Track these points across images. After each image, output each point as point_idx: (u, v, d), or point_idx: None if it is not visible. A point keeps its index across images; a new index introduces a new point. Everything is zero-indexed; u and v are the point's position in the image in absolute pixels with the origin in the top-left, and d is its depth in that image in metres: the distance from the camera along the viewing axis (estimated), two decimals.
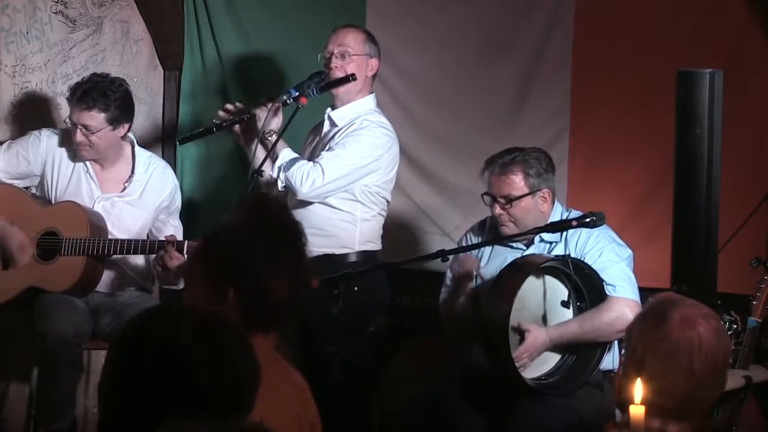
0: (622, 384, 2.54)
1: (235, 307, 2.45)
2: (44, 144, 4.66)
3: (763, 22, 4.88)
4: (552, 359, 4.04)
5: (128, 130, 4.62)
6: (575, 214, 4.05)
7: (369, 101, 4.58)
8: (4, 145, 4.73)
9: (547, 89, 5.28)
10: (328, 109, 4.59)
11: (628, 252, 4.09)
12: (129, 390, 1.88)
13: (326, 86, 4.48)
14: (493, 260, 4.21)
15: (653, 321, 2.57)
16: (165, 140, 5.58)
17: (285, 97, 4.43)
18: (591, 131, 5.23)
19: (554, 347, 4.02)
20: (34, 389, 4.51)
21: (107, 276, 4.61)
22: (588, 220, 3.91)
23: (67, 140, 4.64)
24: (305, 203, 4.46)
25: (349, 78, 4.46)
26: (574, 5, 5.21)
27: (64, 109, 5.16)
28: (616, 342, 4.01)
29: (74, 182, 4.62)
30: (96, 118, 4.49)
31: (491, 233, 4.25)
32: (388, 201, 4.60)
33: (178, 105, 5.60)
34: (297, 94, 4.41)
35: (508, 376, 3.88)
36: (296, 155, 4.50)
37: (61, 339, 4.34)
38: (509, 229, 4.11)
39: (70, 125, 4.54)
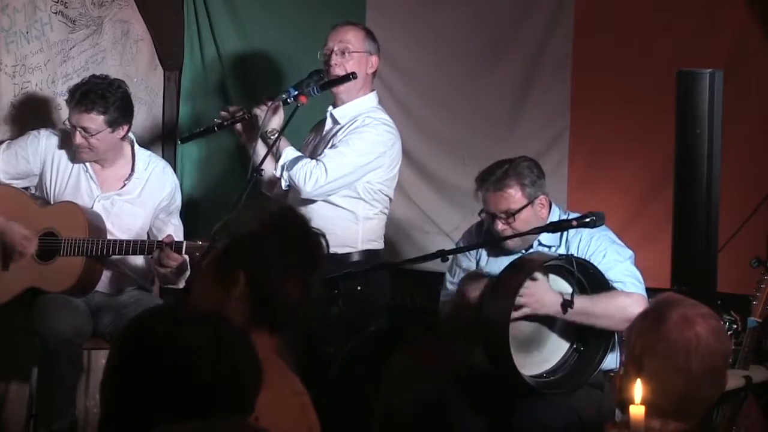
0: (623, 384, 2.54)
1: (244, 298, 2.45)
2: (43, 144, 4.66)
3: (763, 22, 4.88)
4: (554, 357, 4.03)
5: (127, 132, 4.61)
6: (574, 216, 4.04)
7: (371, 99, 4.58)
8: (4, 145, 4.73)
9: (547, 89, 5.29)
10: (330, 107, 4.59)
11: (630, 252, 4.08)
12: (130, 389, 1.88)
13: (327, 85, 4.48)
14: (491, 265, 4.20)
15: (652, 320, 2.58)
16: (165, 140, 5.58)
17: (284, 96, 4.43)
18: (591, 131, 5.24)
19: (560, 336, 4.00)
20: (34, 389, 4.51)
21: (107, 276, 4.61)
22: (588, 220, 3.90)
23: (66, 140, 4.64)
24: (308, 202, 4.46)
25: (349, 76, 4.46)
26: (574, 5, 5.21)
27: (64, 110, 5.16)
28: (618, 341, 4.00)
29: (73, 182, 4.62)
30: (95, 120, 4.49)
31: (489, 234, 4.24)
32: (390, 199, 4.60)
33: (178, 105, 5.60)
34: (296, 92, 4.41)
35: (508, 375, 3.87)
36: (299, 153, 4.50)
37: (61, 339, 4.34)
38: (514, 243, 4.10)
39: (69, 127, 4.54)
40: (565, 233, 4.05)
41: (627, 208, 5.06)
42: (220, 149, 5.55)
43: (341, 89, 4.52)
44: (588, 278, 3.94)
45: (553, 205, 4.18)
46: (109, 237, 4.52)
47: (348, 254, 4.47)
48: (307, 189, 4.39)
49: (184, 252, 4.31)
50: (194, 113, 5.56)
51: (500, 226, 4.09)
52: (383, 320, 4.65)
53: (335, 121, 4.56)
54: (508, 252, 4.14)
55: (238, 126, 4.54)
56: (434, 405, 4.08)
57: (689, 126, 4.05)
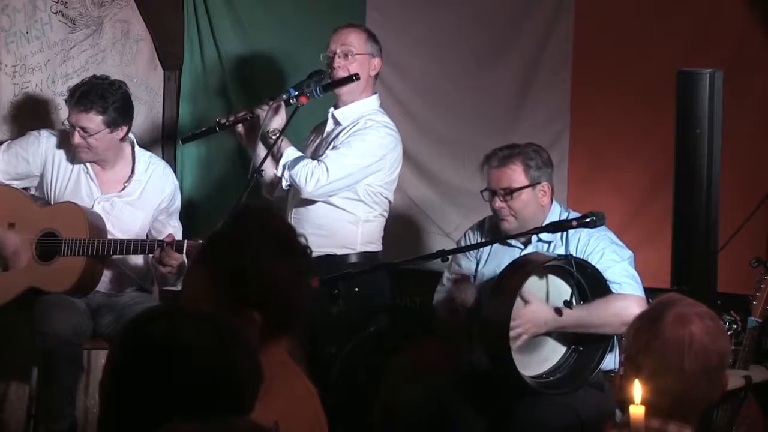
0: (622, 384, 2.54)
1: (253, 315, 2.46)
2: (43, 144, 4.66)
3: (763, 22, 4.88)
4: (554, 357, 4.04)
5: (127, 133, 4.61)
6: (574, 215, 4.04)
7: (373, 101, 4.58)
8: (3, 146, 4.72)
9: (547, 89, 5.29)
10: (332, 108, 4.59)
11: (629, 253, 4.08)
12: (129, 389, 1.88)
13: (329, 86, 4.48)
14: (491, 260, 4.21)
15: (649, 319, 2.58)
16: (165, 140, 5.58)
17: (285, 97, 4.43)
18: (591, 131, 5.24)
19: (559, 337, 4.00)
20: (34, 389, 4.51)
21: (107, 276, 4.61)
22: (588, 220, 3.90)
23: (66, 141, 4.63)
24: (308, 203, 4.46)
25: (352, 78, 4.46)
26: (574, 5, 5.22)
27: (64, 110, 5.15)
28: (617, 342, 4.00)
29: (73, 182, 4.61)
30: (93, 120, 4.48)
31: (491, 233, 4.24)
32: (390, 201, 4.60)
33: (178, 105, 5.60)
34: (297, 93, 4.41)
35: (508, 375, 3.87)
36: (300, 154, 4.50)
37: (61, 339, 4.34)
38: (509, 223, 4.10)
39: (68, 127, 4.54)
40: (565, 231, 4.05)
41: (627, 208, 5.07)
42: (220, 150, 5.55)
43: (343, 90, 4.52)
44: (587, 278, 3.94)
45: (555, 202, 4.18)
46: (108, 237, 4.52)
47: (346, 255, 4.47)
48: (308, 189, 4.39)
49: (184, 251, 4.31)
50: (194, 113, 5.56)
51: (498, 203, 4.09)
52: (383, 320, 4.65)
53: (337, 123, 4.56)
54: (507, 244, 4.15)
55: (239, 128, 4.54)
56: (434, 405, 4.08)
57: (689, 126, 4.06)
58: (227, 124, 4.51)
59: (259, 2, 5.57)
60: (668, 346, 2.50)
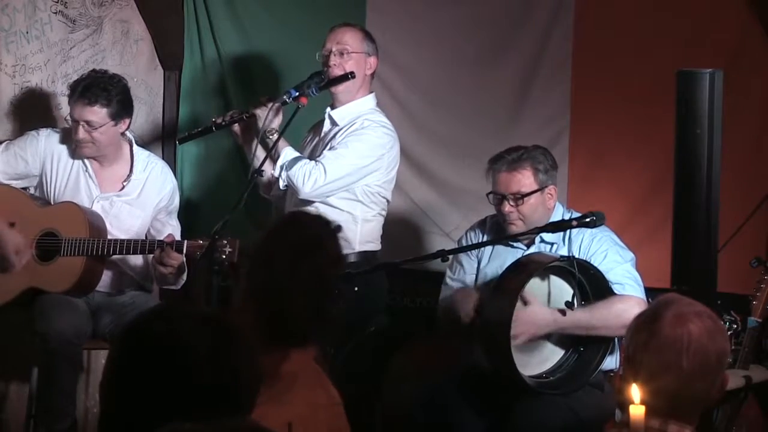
0: (621, 384, 2.54)
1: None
2: (42, 144, 4.65)
3: (763, 22, 4.88)
4: (554, 357, 4.04)
5: (128, 126, 4.61)
6: (576, 215, 4.04)
7: (369, 100, 4.58)
8: (2, 146, 4.72)
9: (547, 89, 5.29)
10: (328, 108, 4.59)
11: (631, 255, 4.08)
12: (129, 389, 1.88)
13: (325, 85, 4.48)
14: (493, 260, 4.21)
15: (647, 319, 2.58)
16: (165, 140, 5.58)
17: (285, 98, 4.43)
18: (591, 131, 5.24)
19: (559, 337, 4.00)
20: (34, 389, 4.51)
21: (107, 276, 4.61)
22: (588, 219, 3.90)
23: (65, 140, 4.63)
24: (306, 203, 4.46)
25: (348, 76, 4.46)
26: (574, 5, 5.22)
27: (64, 109, 5.16)
28: (617, 342, 4.00)
29: (73, 181, 4.61)
30: (98, 113, 4.49)
31: (492, 232, 4.24)
32: (388, 201, 4.60)
33: (178, 105, 5.60)
34: (297, 94, 4.41)
35: (508, 375, 3.87)
36: (298, 154, 4.50)
37: (61, 339, 4.34)
38: (517, 227, 4.09)
39: (71, 123, 4.54)
40: (567, 232, 4.05)
41: (627, 208, 5.07)
42: (219, 149, 5.55)
43: (340, 89, 4.51)
44: (588, 279, 3.94)
45: (557, 203, 4.19)
46: (108, 237, 4.52)
47: (345, 255, 4.46)
48: (306, 189, 4.39)
49: (184, 251, 4.31)
50: (194, 113, 5.56)
51: (507, 208, 4.08)
52: (383, 320, 4.66)
53: (333, 123, 4.56)
54: (510, 245, 4.15)
55: (236, 127, 4.54)
56: (434, 405, 4.08)
57: (689, 126, 4.05)
58: (223, 123, 4.52)
59: (259, 2, 5.57)
60: (666, 345, 2.50)
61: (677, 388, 2.50)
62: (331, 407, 2.53)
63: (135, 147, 4.70)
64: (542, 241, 4.13)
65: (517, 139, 4.83)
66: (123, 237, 4.52)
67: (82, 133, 4.50)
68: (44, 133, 4.70)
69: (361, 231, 4.49)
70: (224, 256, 4.13)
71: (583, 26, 5.22)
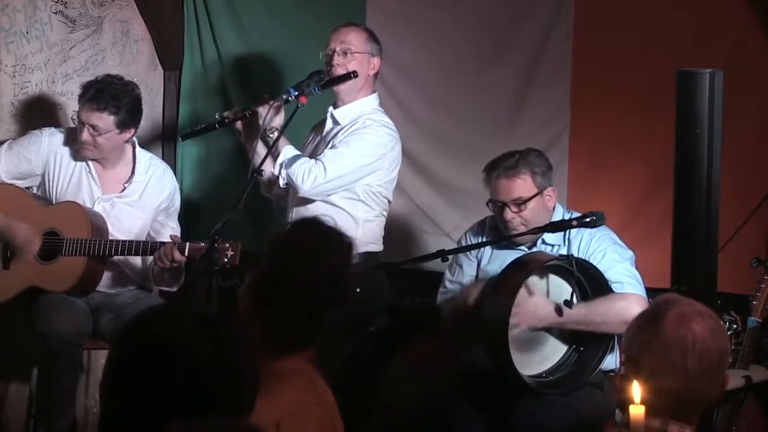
0: (622, 383, 2.54)
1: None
2: (45, 143, 4.66)
3: (763, 22, 4.88)
4: (554, 356, 4.04)
5: (133, 135, 4.62)
6: (576, 215, 4.04)
7: (372, 100, 4.58)
8: (5, 145, 4.73)
9: (547, 89, 5.29)
10: (330, 108, 4.59)
11: (630, 253, 4.08)
12: (129, 389, 1.88)
13: (328, 83, 4.47)
14: (495, 260, 4.20)
15: (649, 319, 2.58)
16: (165, 140, 5.59)
17: (285, 97, 4.43)
18: (591, 131, 5.23)
19: (559, 336, 4.00)
20: (34, 389, 4.51)
21: (107, 275, 4.61)
22: (588, 219, 3.91)
23: (69, 139, 4.64)
24: (306, 202, 4.46)
25: (350, 75, 4.46)
26: (574, 5, 5.21)
27: (64, 109, 5.17)
28: (617, 341, 4.00)
29: (75, 182, 4.62)
30: (105, 120, 4.49)
31: (491, 233, 4.24)
32: (389, 201, 4.59)
33: (178, 105, 5.61)
34: (297, 93, 4.40)
35: (508, 375, 3.87)
36: (298, 152, 4.50)
37: (62, 339, 4.34)
38: (519, 232, 4.10)
39: (77, 122, 4.54)
40: (567, 232, 4.05)
41: (627, 208, 5.06)
42: (219, 149, 5.55)
43: (342, 89, 4.51)
44: (588, 278, 3.94)
45: (557, 204, 4.18)
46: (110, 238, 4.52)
47: (351, 260, 4.45)
48: (305, 187, 4.39)
49: (186, 253, 4.31)
50: (194, 113, 5.56)
51: (509, 215, 4.08)
52: (383, 320, 4.65)
53: (335, 122, 4.56)
54: (511, 247, 4.14)
55: (238, 124, 4.54)
56: (434, 405, 4.08)
57: (689, 126, 4.05)
58: (227, 120, 4.51)
59: (259, 2, 5.58)
60: (670, 345, 2.50)
61: (680, 388, 2.50)
62: (321, 406, 2.53)
63: (138, 149, 4.70)
64: (544, 242, 4.13)
65: (517, 138, 4.84)
66: (123, 238, 4.52)
67: (86, 136, 4.50)
68: (47, 132, 4.70)
69: (362, 232, 4.49)
70: (226, 260, 4.13)
71: (583, 26, 5.21)
